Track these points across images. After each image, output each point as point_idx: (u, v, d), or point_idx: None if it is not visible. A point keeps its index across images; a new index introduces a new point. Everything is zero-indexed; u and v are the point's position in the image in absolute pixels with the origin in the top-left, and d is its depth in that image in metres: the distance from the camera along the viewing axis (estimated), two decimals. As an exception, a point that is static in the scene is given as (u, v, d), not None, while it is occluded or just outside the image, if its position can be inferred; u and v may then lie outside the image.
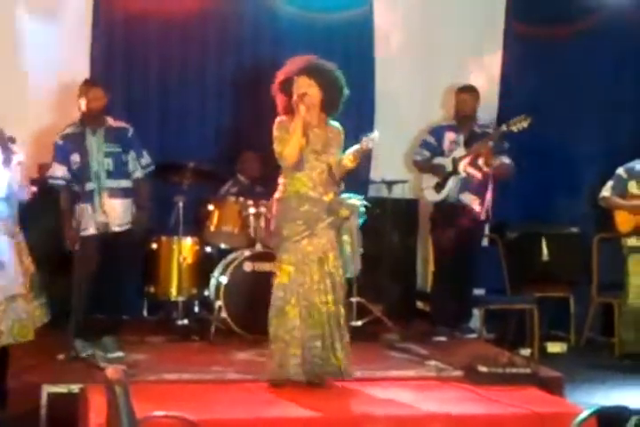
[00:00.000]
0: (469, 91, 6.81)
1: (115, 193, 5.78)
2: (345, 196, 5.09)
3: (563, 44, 7.66)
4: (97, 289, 5.71)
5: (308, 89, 4.97)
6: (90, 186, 5.72)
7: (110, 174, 5.77)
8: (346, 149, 5.03)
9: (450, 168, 6.65)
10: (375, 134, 4.87)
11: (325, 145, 5.03)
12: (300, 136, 4.96)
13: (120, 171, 5.82)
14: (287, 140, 4.97)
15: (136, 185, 5.91)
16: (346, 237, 5.04)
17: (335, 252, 5.02)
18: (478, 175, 6.58)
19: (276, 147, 5.03)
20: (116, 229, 5.78)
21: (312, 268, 4.97)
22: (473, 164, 6.59)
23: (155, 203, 6.95)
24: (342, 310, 5.03)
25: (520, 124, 6.40)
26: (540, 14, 7.65)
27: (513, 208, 7.54)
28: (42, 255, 5.66)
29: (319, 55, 5.14)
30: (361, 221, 5.11)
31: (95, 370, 5.09)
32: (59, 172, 5.79)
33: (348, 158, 4.96)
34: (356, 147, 4.91)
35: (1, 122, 5.51)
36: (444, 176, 6.66)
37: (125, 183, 5.85)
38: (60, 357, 5.54)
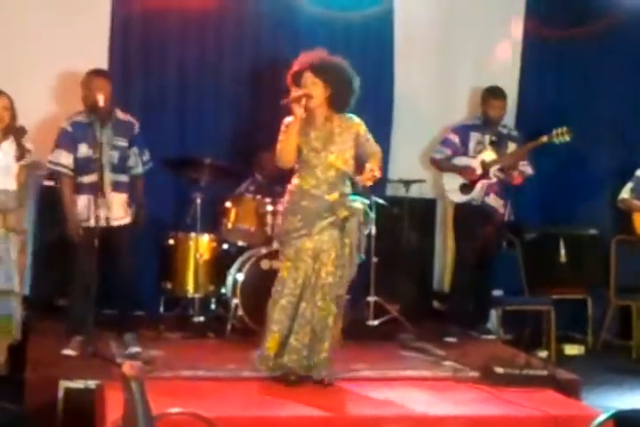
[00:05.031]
0: (501, 97, 6.75)
1: (115, 187, 5.70)
2: (351, 198, 5.03)
3: (582, 46, 7.63)
4: (105, 285, 5.64)
5: (311, 86, 4.94)
6: (93, 178, 5.56)
7: (114, 168, 5.69)
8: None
9: (479, 171, 6.64)
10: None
11: (326, 142, 4.99)
12: (295, 137, 4.93)
13: (122, 165, 5.76)
14: (282, 140, 4.98)
15: (134, 181, 5.86)
16: (347, 240, 4.98)
17: (336, 252, 4.95)
18: (507, 179, 6.63)
19: (277, 147, 5.03)
20: (115, 223, 5.64)
21: (308, 264, 4.95)
22: (502, 168, 6.61)
23: (172, 199, 7.02)
24: (332, 310, 4.97)
25: (563, 136, 6.43)
26: (559, 15, 7.62)
27: (531, 209, 7.51)
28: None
29: (338, 54, 5.11)
30: (368, 227, 5.06)
31: (112, 366, 5.10)
32: (64, 159, 5.64)
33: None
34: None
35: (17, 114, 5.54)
36: (472, 179, 6.65)
37: (124, 178, 5.78)
38: (69, 352, 5.49)
